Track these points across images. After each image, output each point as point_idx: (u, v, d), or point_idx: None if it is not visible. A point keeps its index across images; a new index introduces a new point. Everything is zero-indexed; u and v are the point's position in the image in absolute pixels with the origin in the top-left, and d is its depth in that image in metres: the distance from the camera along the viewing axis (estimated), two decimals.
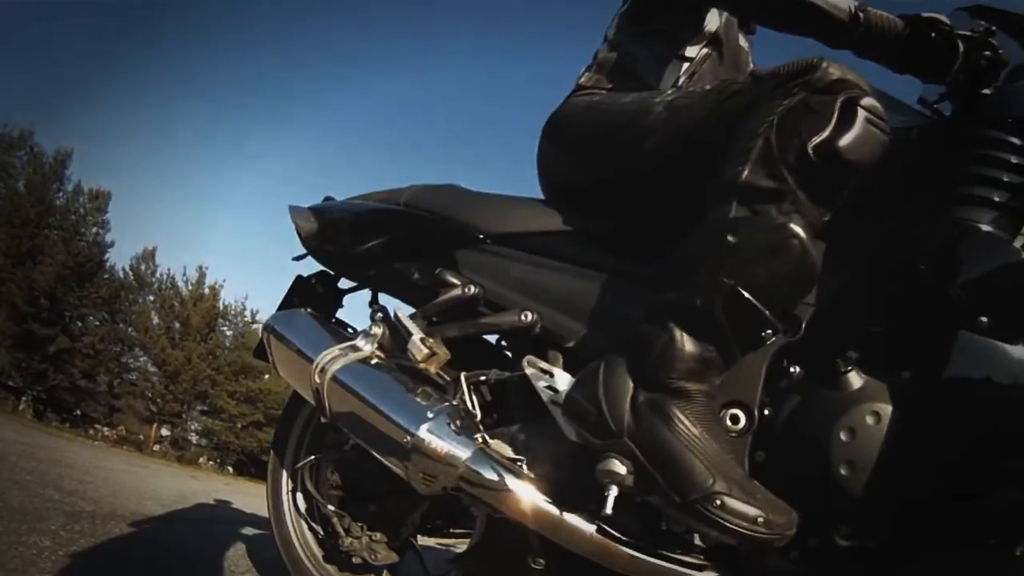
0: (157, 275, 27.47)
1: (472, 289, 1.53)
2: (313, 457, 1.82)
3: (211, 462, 26.34)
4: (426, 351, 1.47)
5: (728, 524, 1.01)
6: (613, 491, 1.10)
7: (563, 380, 1.32)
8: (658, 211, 1.39)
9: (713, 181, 1.16)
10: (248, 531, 3.68)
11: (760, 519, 1.01)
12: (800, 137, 1.07)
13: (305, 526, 1.89)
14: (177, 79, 56.67)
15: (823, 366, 1.16)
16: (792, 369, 1.19)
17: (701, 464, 1.04)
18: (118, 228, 28.76)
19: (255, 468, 27.32)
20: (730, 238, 1.08)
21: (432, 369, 1.49)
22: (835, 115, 1.06)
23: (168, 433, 27.05)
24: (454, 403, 1.44)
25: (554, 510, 1.22)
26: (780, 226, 1.07)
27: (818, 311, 1.19)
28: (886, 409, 1.09)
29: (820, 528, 1.09)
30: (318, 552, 1.86)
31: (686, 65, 1.58)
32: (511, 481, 1.26)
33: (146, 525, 3.14)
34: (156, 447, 24.48)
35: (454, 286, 1.55)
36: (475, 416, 1.45)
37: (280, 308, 1.93)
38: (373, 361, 1.56)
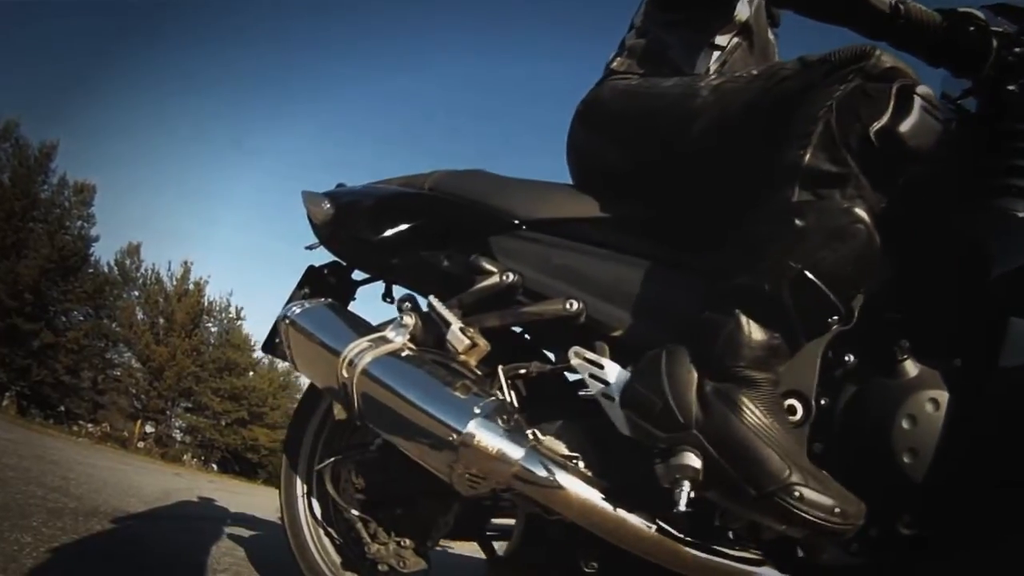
0: (142, 270, 27.36)
1: (510, 277, 1.47)
2: (333, 459, 1.71)
3: (195, 459, 26.25)
4: (467, 342, 1.41)
5: (807, 516, 1.00)
6: (686, 486, 1.05)
7: (613, 372, 1.25)
8: (704, 196, 1.37)
9: (771, 165, 1.15)
10: (231, 529, 3.66)
11: (836, 509, 1.00)
12: (860, 122, 1.07)
13: (322, 532, 1.81)
14: (169, 74, 56.71)
15: (878, 354, 1.15)
16: (846, 358, 1.18)
17: (776, 455, 1.02)
18: (103, 222, 28.59)
19: (239, 465, 27.35)
20: (798, 222, 1.07)
21: (472, 361, 1.43)
22: (892, 102, 1.07)
23: (152, 430, 26.93)
24: (500, 397, 1.36)
25: (613, 509, 1.17)
26: (846, 210, 1.06)
27: (868, 299, 1.17)
28: (943, 396, 1.09)
29: (882, 518, 1.07)
30: (337, 559, 1.77)
31: (717, 53, 1.55)
32: (567, 480, 1.19)
33: (128, 522, 3.12)
34: (140, 444, 24.34)
35: (491, 273, 1.48)
36: (521, 411, 1.37)
37: (291, 300, 1.83)
38: (404, 353, 1.45)
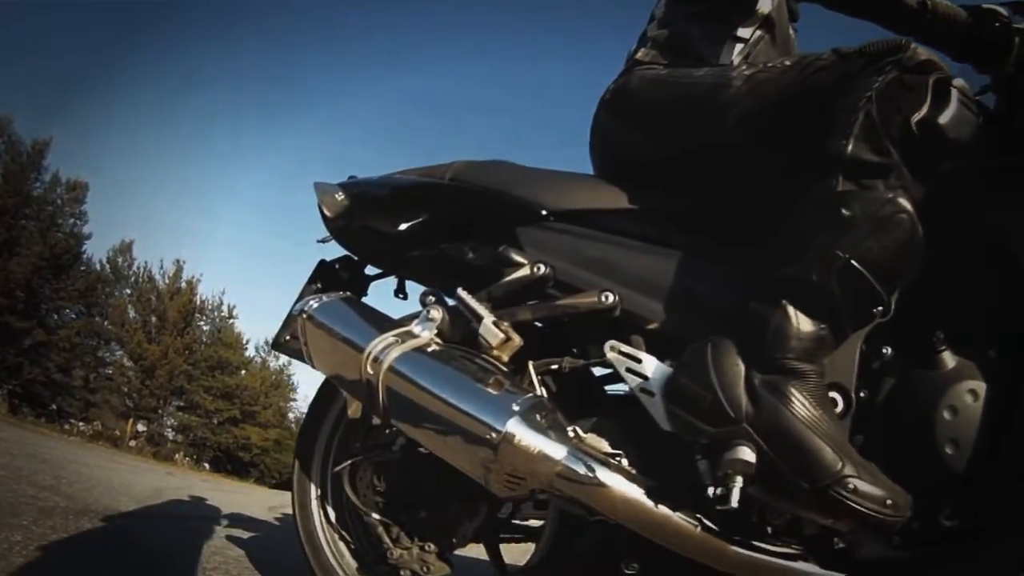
0: (134, 268, 27.26)
1: (541, 268, 1.42)
2: (352, 460, 1.64)
3: (187, 458, 26.13)
4: (502, 336, 1.35)
5: (861, 508, 1.00)
6: (738, 481, 1.03)
7: (652, 366, 1.22)
8: (737, 187, 1.36)
9: (807, 155, 1.15)
10: (222, 528, 3.67)
11: (888, 501, 1.00)
12: (901, 113, 1.08)
13: (336, 536, 1.75)
14: (165, 71, 56.20)
15: (915, 346, 1.15)
16: (884, 350, 1.18)
17: (828, 447, 1.01)
18: (95, 220, 28.44)
19: (231, 464, 27.28)
20: (844, 211, 1.07)
21: (505, 356, 1.37)
22: (930, 94, 1.08)
23: (144, 429, 26.84)
24: (538, 394, 1.31)
25: (659, 508, 1.14)
26: (891, 200, 1.07)
27: (903, 291, 1.17)
28: (981, 387, 1.09)
29: (924, 510, 1.06)
30: (352, 563, 1.73)
31: (740, 46, 1.54)
32: (611, 478, 1.15)
33: (119, 521, 3.11)
34: (132, 443, 24.25)
35: (520, 265, 1.43)
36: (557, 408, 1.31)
37: (302, 295, 1.79)
38: (431, 348, 1.40)
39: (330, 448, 1.82)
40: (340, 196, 1.72)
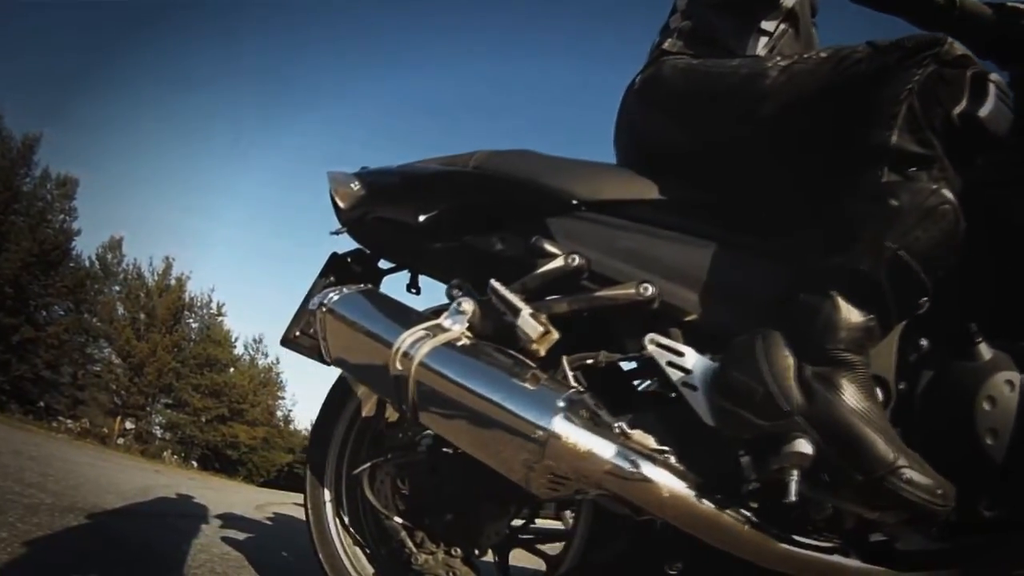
0: (123, 265, 27.25)
1: (576, 259, 1.36)
2: (372, 462, 1.57)
3: (175, 456, 26.12)
4: (541, 329, 1.29)
5: (914, 498, 0.99)
6: (795, 475, 1.02)
7: (693, 359, 1.19)
8: (774, 176, 1.35)
9: (846, 145, 1.16)
10: (208, 526, 3.68)
11: (939, 491, 1.00)
12: (942, 106, 1.08)
13: (351, 540, 1.70)
14: (159, 66, 55.88)
15: (952, 338, 1.15)
16: (921, 342, 1.18)
17: (881, 438, 1.01)
18: (85, 216, 28.38)
19: (219, 462, 27.25)
20: (892, 202, 1.07)
21: (542, 351, 1.31)
22: (967, 88, 1.09)
23: (132, 426, 26.77)
24: (580, 390, 1.24)
25: (706, 505, 1.10)
26: (935, 191, 1.07)
27: (937, 283, 1.14)
28: (1017, 377, 1.09)
29: (964, 501, 1.05)
30: (370, 570, 1.67)
31: (765, 39, 1.53)
32: (661, 476, 1.11)
33: (105, 519, 3.11)
34: (120, 440, 24.21)
35: (554, 256, 1.37)
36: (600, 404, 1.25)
37: (314, 289, 1.73)
38: (462, 343, 1.33)
39: (344, 449, 1.76)
40: (355, 186, 1.67)
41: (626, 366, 1.45)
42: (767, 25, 1.54)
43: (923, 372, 1.17)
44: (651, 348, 1.22)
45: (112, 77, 51.66)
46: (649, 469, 1.11)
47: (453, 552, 1.48)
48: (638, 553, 1.34)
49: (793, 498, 1.01)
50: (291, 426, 34.32)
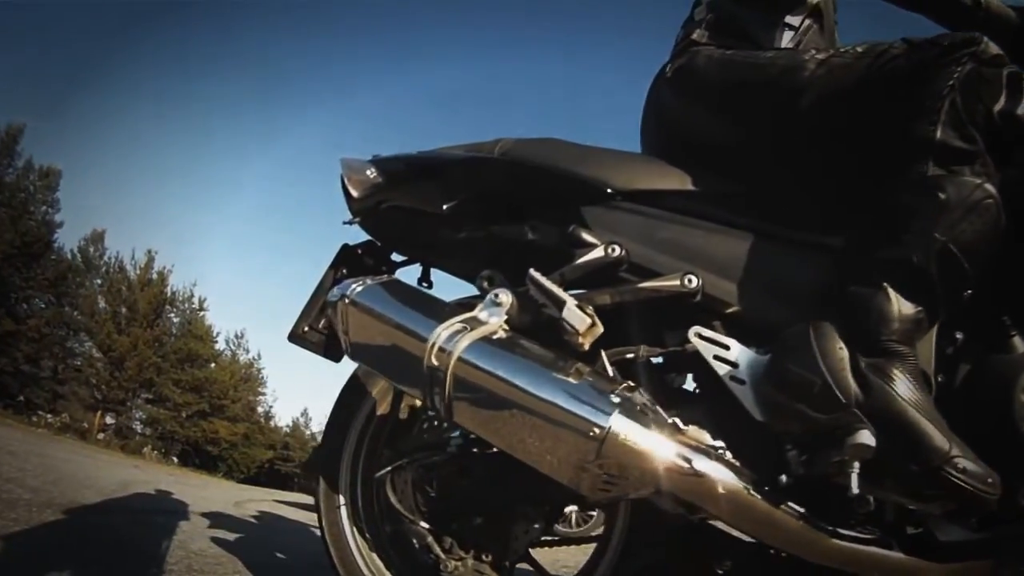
0: (105, 258, 27.03)
1: (616, 250, 1.31)
2: (397, 464, 1.49)
3: (155, 452, 25.95)
4: (588, 321, 1.22)
5: (969, 487, 0.99)
6: (857, 467, 1.00)
7: (739, 352, 1.17)
8: (810, 168, 1.34)
9: (894, 140, 1.17)
10: (186, 523, 3.69)
11: (989, 480, 1.00)
12: (983, 103, 1.10)
13: (368, 547, 1.62)
14: (150, 58, 55.45)
15: (987, 331, 1.17)
16: (957, 335, 1.19)
17: (936, 428, 1.01)
18: (68, 208, 28.16)
19: (199, 458, 27.12)
20: (940, 195, 1.08)
21: (587, 344, 1.24)
22: (1004, 86, 1.12)
23: (112, 421, 26.59)
24: (632, 384, 1.19)
25: (761, 501, 1.08)
26: (979, 186, 1.08)
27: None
28: None
29: (1004, 491, 1.04)
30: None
31: (791, 33, 1.54)
32: (719, 473, 1.08)
33: (82, 514, 3.11)
34: (100, 436, 24.03)
35: (593, 246, 1.33)
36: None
37: (324, 282, 1.67)
38: (499, 336, 1.25)
39: (360, 451, 1.69)
40: (371, 173, 1.60)
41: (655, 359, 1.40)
42: (792, 20, 1.55)
43: (960, 365, 1.18)
44: (696, 341, 1.20)
45: (99, 66, 51.00)
46: (706, 465, 1.08)
47: (484, 557, 1.42)
48: (680, 556, 1.33)
49: (856, 491, 1.00)
50: (272, 422, 34.28)
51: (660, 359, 1.34)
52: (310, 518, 7.65)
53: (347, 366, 1.63)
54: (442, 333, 1.22)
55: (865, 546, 1.08)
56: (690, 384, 1.41)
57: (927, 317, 1.10)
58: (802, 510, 1.09)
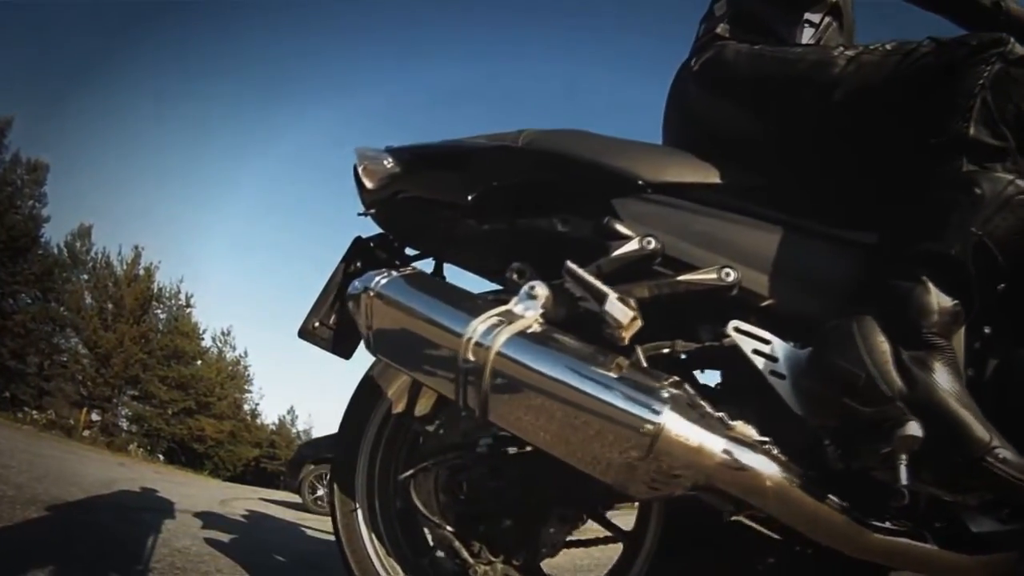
0: (92, 253, 26.82)
1: (652, 242, 1.28)
2: (423, 465, 1.45)
3: (141, 449, 25.78)
4: (631, 314, 1.18)
5: (1009, 477, 0.99)
6: (905, 459, 1.00)
7: (779, 346, 1.16)
8: (839, 163, 1.36)
9: (926, 136, 1.18)
10: (170, 520, 3.71)
11: None
12: (1013, 102, 1.12)
13: (385, 552, 1.58)
14: (142, 52, 54.94)
15: (1013, 326, 1.18)
16: (984, 329, 1.19)
17: (976, 420, 1.02)
18: (55, 202, 27.93)
19: (185, 456, 27.00)
20: (976, 190, 1.09)
21: (627, 338, 1.20)
22: None
23: (98, 418, 26.42)
24: (677, 379, 1.16)
25: (808, 496, 1.07)
26: (1012, 182, 1.10)
27: None
28: None
29: None
30: None
31: (811, 30, 1.56)
32: (769, 468, 1.06)
33: (66, 511, 3.13)
34: (86, 433, 23.86)
35: (628, 238, 1.30)
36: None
37: (335, 275, 1.64)
38: (535, 330, 1.21)
39: (376, 452, 1.65)
40: (388, 162, 1.56)
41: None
42: (812, 17, 1.57)
43: (989, 359, 1.18)
44: (735, 336, 1.19)
45: (98, 64, 50.75)
46: (756, 460, 1.06)
47: (514, 561, 1.38)
48: (717, 556, 1.33)
49: (905, 482, 1.00)
50: (258, 420, 34.12)
51: (684, 354, 1.33)
52: (296, 516, 7.67)
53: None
54: (478, 327, 1.18)
55: (901, 539, 1.08)
56: (711, 378, 1.40)
57: (963, 310, 1.11)
58: (845, 504, 1.08)
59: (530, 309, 1.25)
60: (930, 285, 1.09)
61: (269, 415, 34.55)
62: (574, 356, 1.14)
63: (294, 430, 36.99)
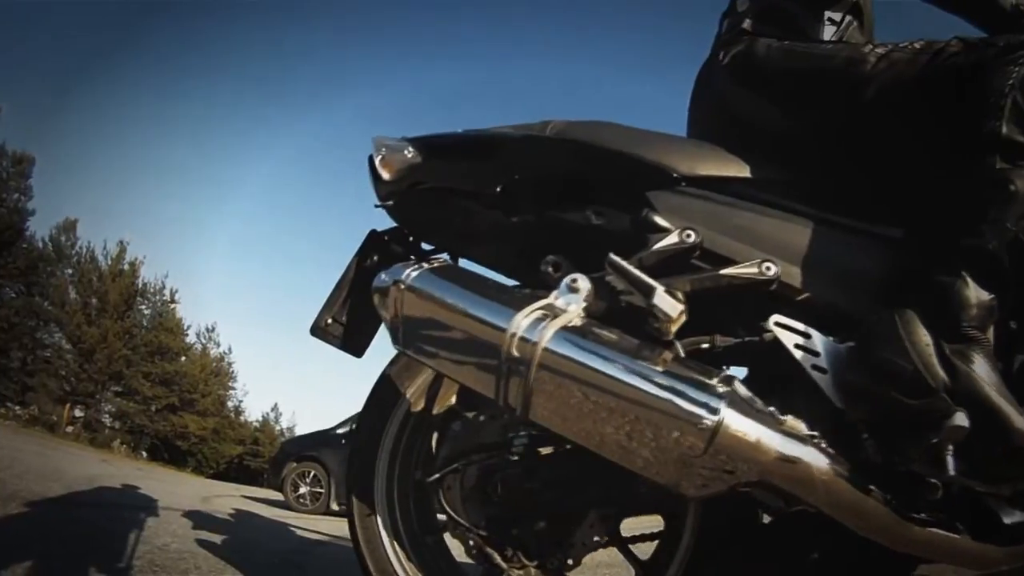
0: (77, 248, 26.58)
1: (692, 236, 1.27)
2: (447, 469, 1.42)
3: (124, 446, 25.63)
4: (680, 307, 1.14)
5: None
6: (951, 450, 1.02)
7: (820, 341, 1.17)
8: (871, 159, 1.37)
9: (957, 134, 1.21)
10: (153, 518, 3.71)
11: None
12: None
13: (405, 556, 1.55)
14: (134, 48, 54.56)
15: None
16: (1011, 324, 1.21)
17: (1016, 411, 1.04)
18: (41, 196, 27.69)
19: (168, 453, 26.85)
20: (1011, 187, 1.11)
21: (673, 332, 1.17)
22: None
23: (81, 414, 26.24)
24: (729, 373, 1.14)
25: (855, 490, 1.07)
26: None
27: None
28: None
29: None
30: None
31: (832, 28, 1.58)
32: (821, 463, 1.06)
33: (46, 508, 3.14)
34: (69, 429, 23.71)
35: (667, 231, 1.29)
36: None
37: (348, 270, 1.61)
38: (579, 323, 1.18)
39: (396, 453, 1.61)
40: (409, 152, 1.53)
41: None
42: (834, 15, 1.59)
43: (1016, 354, 1.19)
44: (776, 330, 1.20)
45: (97, 61, 50.45)
46: (809, 454, 1.06)
47: (548, 564, 1.35)
48: (757, 555, 1.34)
49: (952, 473, 1.01)
50: (242, 417, 33.95)
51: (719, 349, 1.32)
52: (278, 514, 7.68)
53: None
54: (522, 321, 1.14)
55: (939, 530, 1.09)
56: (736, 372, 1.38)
57: (999, 305, 1.13)
58: (888, 496, 1.08)
59: (572, 303, 1.21)
60: (968, 280, 1.12)
61: (253, 412, 34.37)
62: (623, 351, 1.12)
63: (278, 427, 36.80)
